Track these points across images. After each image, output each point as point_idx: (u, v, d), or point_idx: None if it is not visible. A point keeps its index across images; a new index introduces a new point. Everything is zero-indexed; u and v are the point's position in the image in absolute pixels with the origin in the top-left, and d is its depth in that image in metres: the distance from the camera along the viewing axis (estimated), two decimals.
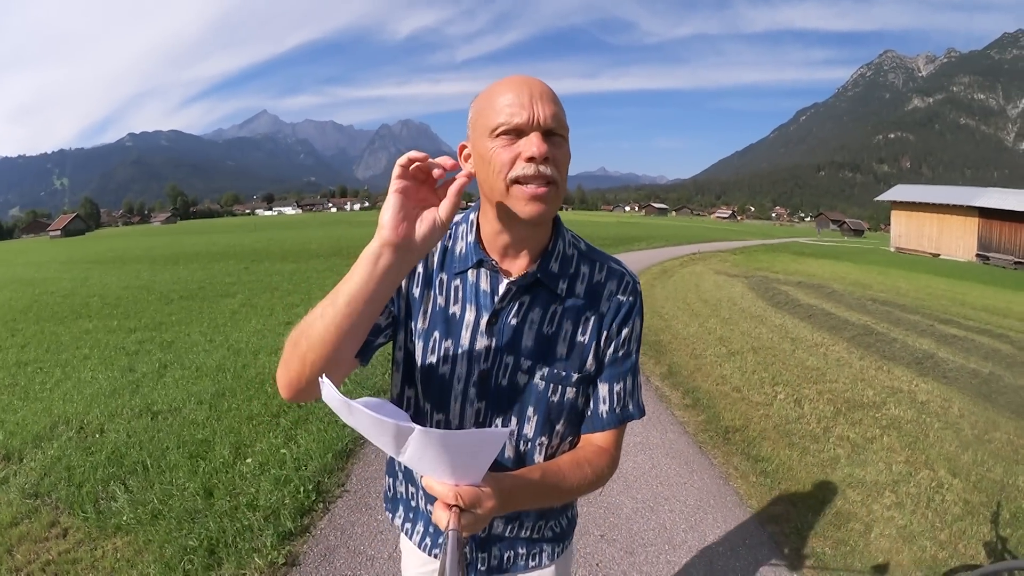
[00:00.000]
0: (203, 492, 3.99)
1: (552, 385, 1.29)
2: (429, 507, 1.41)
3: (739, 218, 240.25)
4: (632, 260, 22.64)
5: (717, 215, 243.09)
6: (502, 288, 1.24)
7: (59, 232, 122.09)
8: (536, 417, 1.30)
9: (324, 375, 0.96)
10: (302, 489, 4.02)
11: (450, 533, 0.92)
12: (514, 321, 1.25)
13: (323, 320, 1.04)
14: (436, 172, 1.01)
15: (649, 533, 3.73)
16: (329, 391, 0.92)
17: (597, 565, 3.40)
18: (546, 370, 1.28)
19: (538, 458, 1.33)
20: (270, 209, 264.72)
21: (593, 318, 1.29)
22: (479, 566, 1.44)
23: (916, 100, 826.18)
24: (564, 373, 1.29)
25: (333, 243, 32.32)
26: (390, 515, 1.54)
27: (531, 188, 1.09)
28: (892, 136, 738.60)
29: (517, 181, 1.10)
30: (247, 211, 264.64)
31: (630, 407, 1.36)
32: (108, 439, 4.91)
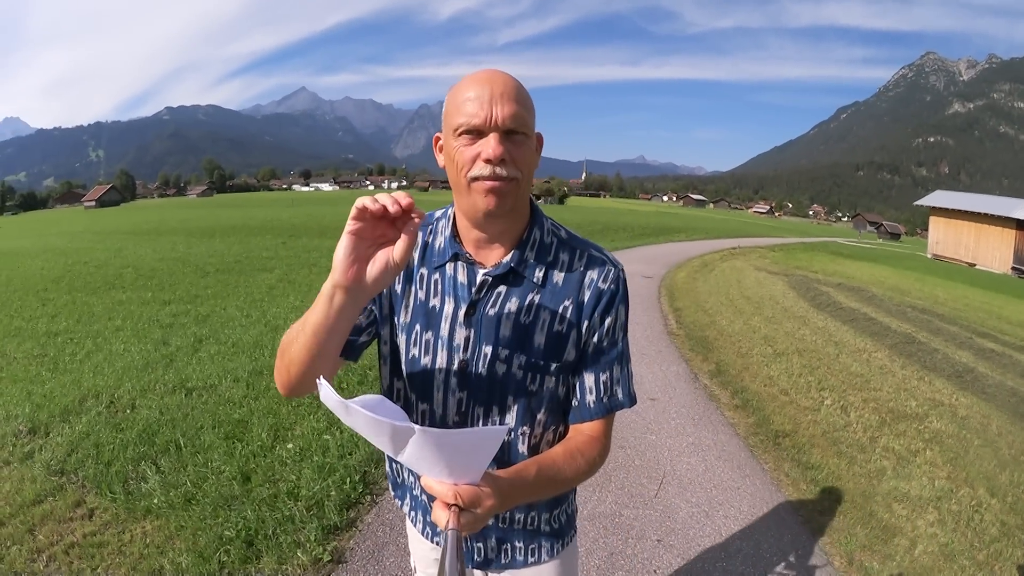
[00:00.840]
0: (240, 477, 3.82)
1: (530, 374, 1.30)
2: (424, 497, 1.47)
3: (777, 214, 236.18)
4: (672, 251, 22.74)
5: (755, 210, 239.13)
6: (479, 279, 1.28)
7: (93, 203, 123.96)
8: (516, 406, 1.32)
9: (321, 376, 0.97)
10: (348, 480, 3.83)
11: (449, 533, 0.93)
12: (491, 312, 1.28)
13: (297, 344, 1.12)
14: (392, 209, 0.98)
15: (705, 539, 3.64)
16: (327, 392, 0.92)
17: (655, 571, 3.30)
18: (523, 359, 1.29)
19: (521, 447, 1.35)
20: (307, 185, 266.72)
21: (572, 307, 1.30)
22: (475, 556, 1.48)
23: (957, 105, 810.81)
24: (542, 363, 1.30)
25: None
26: (399, 502, 1.57)
27: (487, 183, 1.14)
28: (932, 140, 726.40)
29: (476, 179, 1.15)
30: (284, 186, 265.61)
31: (619, 395, 1.37)
32: (139, 416, 4.77)
